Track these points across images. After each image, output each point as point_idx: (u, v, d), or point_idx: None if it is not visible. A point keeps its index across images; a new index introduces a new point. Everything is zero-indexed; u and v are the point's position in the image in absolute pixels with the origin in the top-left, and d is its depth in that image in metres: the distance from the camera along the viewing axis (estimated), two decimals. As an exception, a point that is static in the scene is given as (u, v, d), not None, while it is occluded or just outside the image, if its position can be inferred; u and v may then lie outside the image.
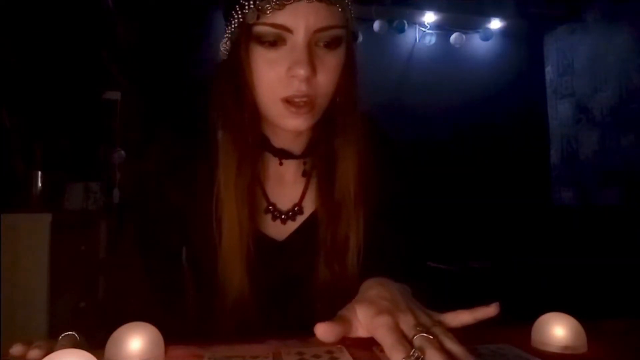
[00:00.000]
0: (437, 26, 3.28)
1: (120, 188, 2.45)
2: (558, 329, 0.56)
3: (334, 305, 0.64)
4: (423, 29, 3.27)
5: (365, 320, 0.53)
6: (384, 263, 0.73)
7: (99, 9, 2.51)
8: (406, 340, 0.48)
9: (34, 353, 0.53)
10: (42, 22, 2.35)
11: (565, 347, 0.56)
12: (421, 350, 0.46)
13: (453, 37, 3.29)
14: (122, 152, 2.54)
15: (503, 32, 3.39)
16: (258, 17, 0.61)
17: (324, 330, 0.52)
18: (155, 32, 2.70)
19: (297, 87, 0.63)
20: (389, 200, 0.79)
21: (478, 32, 3.36)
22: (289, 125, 0.67)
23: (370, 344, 0.56)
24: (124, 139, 2.58)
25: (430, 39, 3.27)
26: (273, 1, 0.60)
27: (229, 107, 0.69)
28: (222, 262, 0.70)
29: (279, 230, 0.76)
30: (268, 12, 0.61)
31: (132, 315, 0.54)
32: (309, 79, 0.63)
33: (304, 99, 0.64)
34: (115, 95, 2.59)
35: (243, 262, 0.69)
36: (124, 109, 2.62)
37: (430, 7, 3.18)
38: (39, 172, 2.13)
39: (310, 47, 0.63)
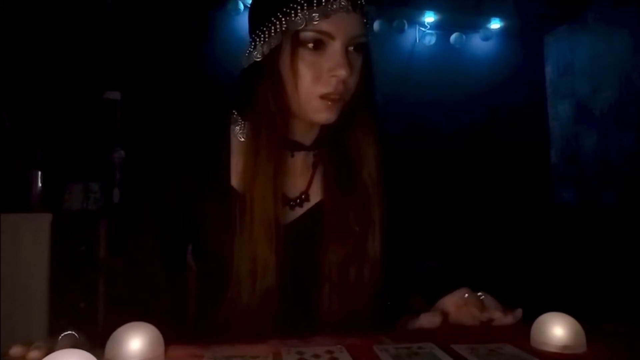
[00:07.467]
0: (437, 26, 3.27)
1: (120, 188, 2.45)
2: (557, 329, 0.56)
3: (339, 290, 0.73)
4: (423, 29, 3.27)
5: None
6: (387, 256, 0.76)
7: (99, 9, 2.51)
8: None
9: (33, 353, 0.53)
10: (42, 22, 2.35)
11: (565, 347, 0.56)
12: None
13: (453, 37, 3.28)
14: (122, 152, 2.53)
15: (503, 32, 3.39)
16: (306, 25, 0.69)
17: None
18: (155, 31, 2.70)
19: (335, 85, 0.71)
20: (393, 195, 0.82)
21: (478, 32, 3.36)
22: (322, 118, 0.74)
23: (370, 344, 0.56)
24: (124, 139, 2.58)
25: (430, 39, 3.26)
26: (321, 11, 0.68)
27: (271, 109, 0.74)
28: (250, 253, 0.71)
29: (286, 216, 0.78)
30: (315, 21, 0.69)
31: (133, 314, 0.54)
32: (346, 79, 0.71)
33: (339, 95, 0.72)
34: (115, 95, 2.59)
35: (273, 252, 0.71)
36: (124, 109, 2.62)
37: (430, 7, 3.17)
38: (39, 172, 2.13)
39: (346, 51, 0.71)
